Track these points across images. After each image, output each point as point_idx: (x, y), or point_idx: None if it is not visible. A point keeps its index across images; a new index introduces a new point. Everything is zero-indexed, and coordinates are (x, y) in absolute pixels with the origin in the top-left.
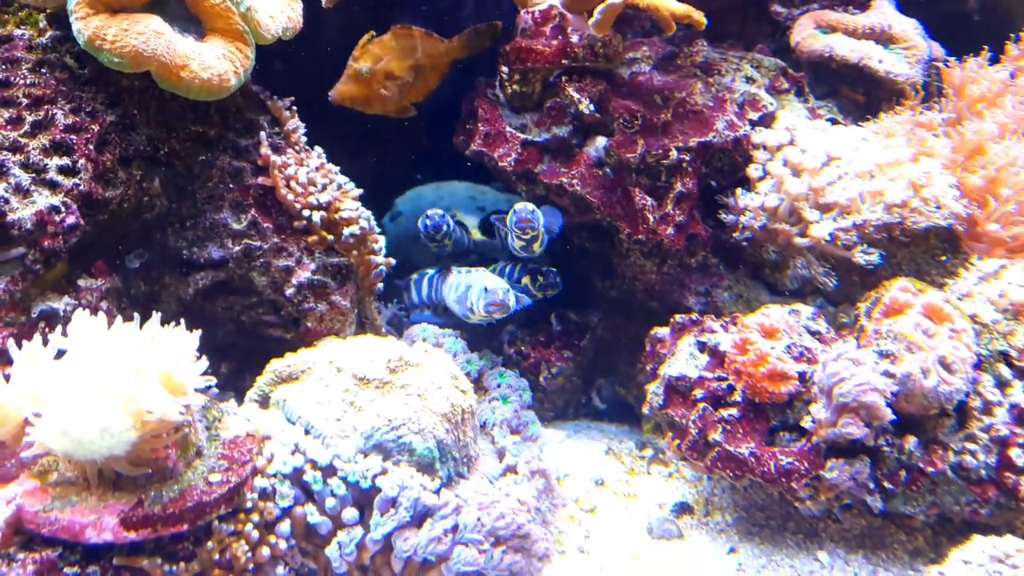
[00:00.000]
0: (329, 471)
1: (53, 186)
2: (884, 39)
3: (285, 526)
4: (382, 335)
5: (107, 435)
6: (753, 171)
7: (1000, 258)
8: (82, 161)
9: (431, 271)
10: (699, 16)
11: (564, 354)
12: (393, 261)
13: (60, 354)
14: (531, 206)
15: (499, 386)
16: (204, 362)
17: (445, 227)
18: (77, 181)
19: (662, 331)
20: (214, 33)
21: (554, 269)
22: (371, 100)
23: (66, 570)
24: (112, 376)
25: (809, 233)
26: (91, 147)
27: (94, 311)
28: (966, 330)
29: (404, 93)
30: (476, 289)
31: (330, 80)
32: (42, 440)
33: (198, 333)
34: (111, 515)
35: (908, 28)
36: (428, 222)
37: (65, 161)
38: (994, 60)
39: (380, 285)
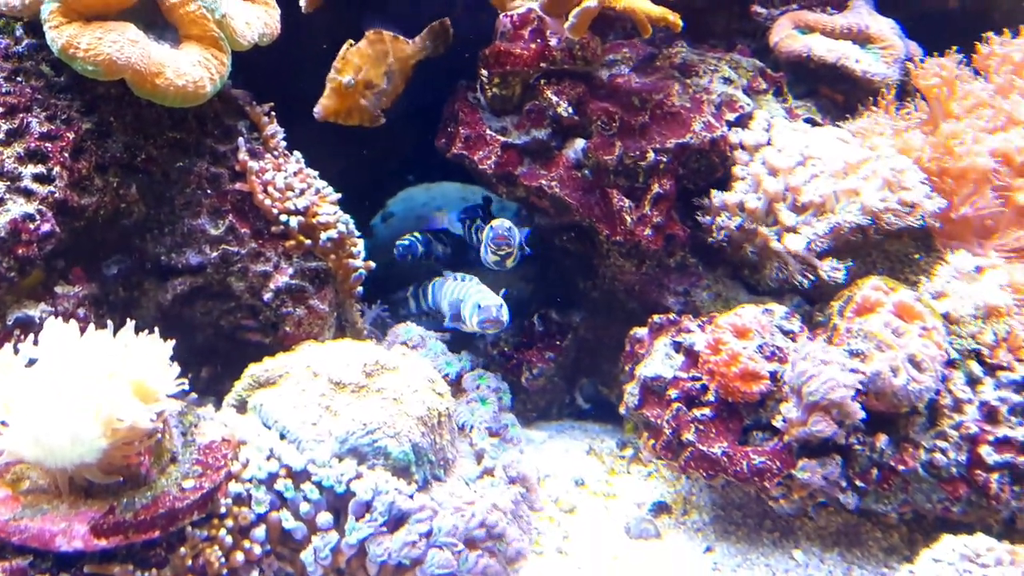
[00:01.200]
0: (303, 476)
1: (28, 194)
2: (861, 39)
3: (260, 531)
4: (363, 338)
5: (78, 443)
6: (738, 171)
7: (974, 251)
8: (57, 169)
9: (427, 281)
10: (675, 18)
11: (546, 355)
12: (373, 264)
13: (32, 362)
14: (508, 223)
15: (479, 387)
16: (176, 369)
17: (416, 251)
18: (52, 189)
19: (640, 331)
20: (189, 40)
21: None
22: (352, 112)
23: None
24: (83, 384)
25: (784, 243)
26: (66, 155)
27: (71, 318)
28: (937, 328)
29: (379, 101)
30: (469, 304)
31: (313, 84)
32: (12, 448)
33: (171, 342)
34: (82, 523)
35: (885, 28)
36: (397, 251)
37: (40, 169)
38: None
39: (360, 288)
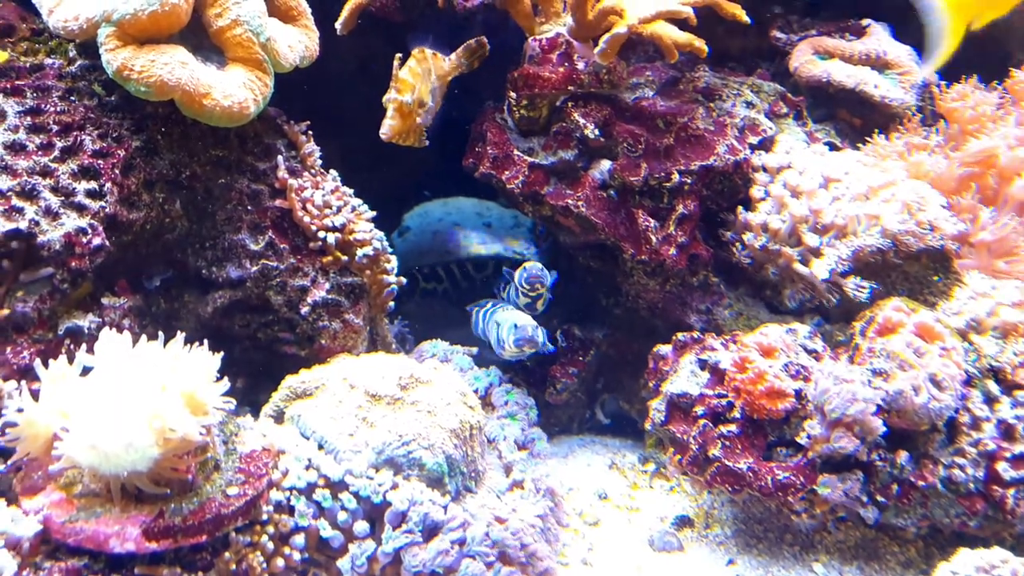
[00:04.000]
0: (341, 486)
1: (81, 209)
2: (879, 65)
3: (300, 538)
4: (392, 352)
5: (132, 450)
6: (756, 191)
7: (992, 273)
8: (108, 185)
9: (488, 305)
10: (700, 44)
11: (569, 370)
12: (404, 280)
13: (86, 371)
14: (540, 265)
15: (507, 403)
16: (225, 383)
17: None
18: (103, 204)
19: (664, 348)
20: (235, 62)
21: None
22: (410, 132)
23: None
24: (138, 394)
25: (811, 267)
26: (117, 171)
27: (117, 328)
28: (956, 348)
29: (428, 120)
30: (507, 325)
31: (335, 103)
32: (70, 454)
33: (220, 355)
34: (134, 526)
35: (902, 54)
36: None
37: (92, 185)
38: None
39: (392, 304)
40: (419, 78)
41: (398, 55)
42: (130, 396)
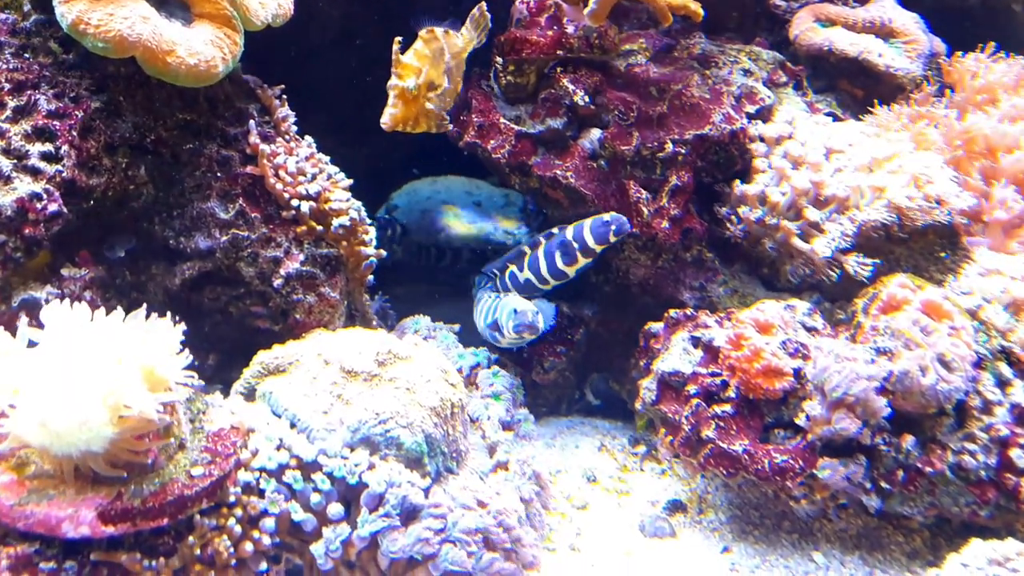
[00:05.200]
0: (314, 466)
1: (35, 173)
2: (884, 33)
3: (270, 522)
4: (372, 328)
5: (85, 428)
6: (759, 163)
7: (1004, 250)
8: (65, 147)
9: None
10: (696, 7)
11: (557, 349)
12: (384, 253)
13: (33, 344)
14: (534, 308)
15: (492, 384)
16: (187, 356)
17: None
18: (60, 168)
19: (656, 326)
20: (202, 18)
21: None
22: (419, 118)
23: (42, 565)
24: (92, 368)
25: (812, 243)
26: (75, 133)
27: (77, 301)
28: (965, 327)
29: (444, 102)
30: (506, 311)
31: (322, 73)
32: (17, 432)
33: (182, 326)
34: (89, 509)
35: (908, 22)
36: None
37: (48, 147)
38: (997, 52)
39: (371, 277)
40: (427, 60)
41: (397, 39)
42: (83, 371)
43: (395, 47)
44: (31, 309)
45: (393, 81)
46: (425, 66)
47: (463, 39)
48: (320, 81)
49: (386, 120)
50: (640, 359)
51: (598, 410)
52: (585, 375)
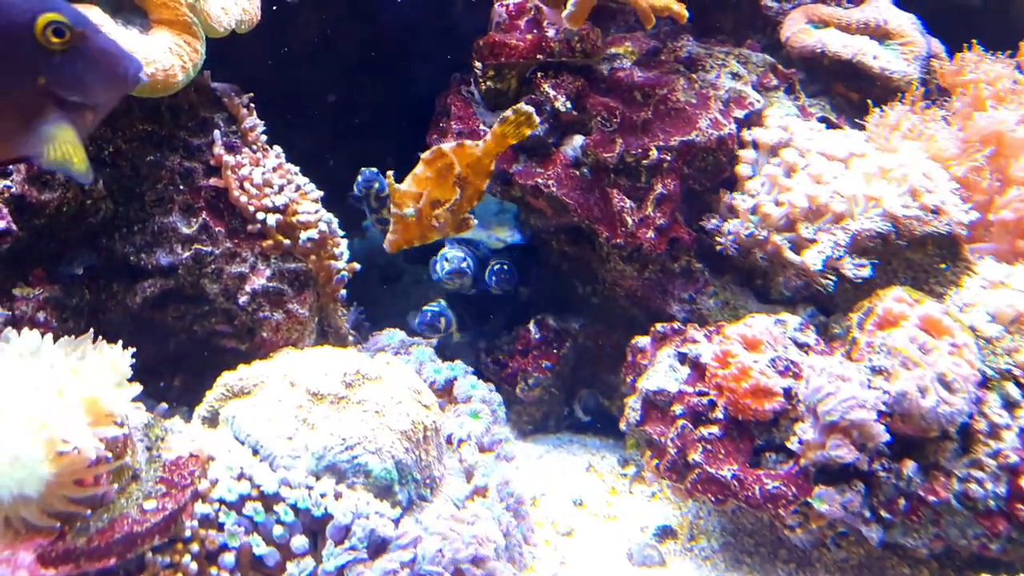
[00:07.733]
0: (276, 498)
1: None
2: (879, 35)
3: (229, 557)
4: (346, 344)
5: (18, 466)
6: (742, 169)
7: (1013, 256)
8: None
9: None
10: (680, 8)
11: (543, 364)
12: (357, 266)
13: None
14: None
15: (469, 399)
16: (137, 387)
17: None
18: (8, 183)
19: (643, 340)
20: (160, 25)
21: (508, 264)
22: (426, 234)
23: None
24: (26, 400)
25: (803, 256)
26: None
27: (30, 322)
28: (968, 345)
29: (458, 210)
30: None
31: (299, 78)
32: None
33: (130, 351)
34: (27, 550)
35: (905, 23)
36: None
37: None
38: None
39: (343, 292)
40: (428, 184)
41: (390, 172)
42: (16, 403)
43: (390, 180)
44: None
45: (392, 209)
46: (426, 188)
47: (483, 148)
48: (296, 83)
49: (386, 246)
50: (627, 375)
51: (589, 427)
52: (573, 390)
